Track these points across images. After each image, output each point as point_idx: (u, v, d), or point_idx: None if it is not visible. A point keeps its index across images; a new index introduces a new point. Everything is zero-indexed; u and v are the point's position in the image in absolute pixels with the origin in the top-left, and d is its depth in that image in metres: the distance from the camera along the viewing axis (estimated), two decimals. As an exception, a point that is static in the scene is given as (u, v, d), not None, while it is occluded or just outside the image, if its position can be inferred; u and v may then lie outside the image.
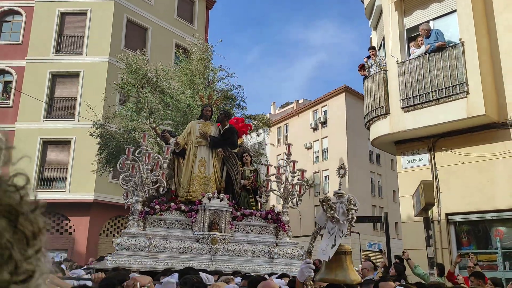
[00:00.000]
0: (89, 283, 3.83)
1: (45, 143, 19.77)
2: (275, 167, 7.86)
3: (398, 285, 3.19)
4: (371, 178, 32.16)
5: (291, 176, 7.72)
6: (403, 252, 8.16)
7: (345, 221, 2.91)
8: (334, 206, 2.90)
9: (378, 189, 32.72)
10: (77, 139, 19.12)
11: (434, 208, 9.59)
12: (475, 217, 9.67)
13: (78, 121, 19.10)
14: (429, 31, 10.10)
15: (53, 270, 0.56)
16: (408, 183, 10.24)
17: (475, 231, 9.88)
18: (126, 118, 15.67)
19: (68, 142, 19.62)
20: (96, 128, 15.82)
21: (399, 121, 10.31)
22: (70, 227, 19.00)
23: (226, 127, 8.21)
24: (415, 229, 9.86)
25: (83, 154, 18.68)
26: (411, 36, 10.89)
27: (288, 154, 7.87)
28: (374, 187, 32.32)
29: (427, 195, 8.21)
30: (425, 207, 8.39)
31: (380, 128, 10.87)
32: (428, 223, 8.72)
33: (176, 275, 4.15)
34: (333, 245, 2.83)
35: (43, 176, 19.41)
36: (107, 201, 18.69)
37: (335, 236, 2.89)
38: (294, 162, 7.79)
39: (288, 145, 8.11)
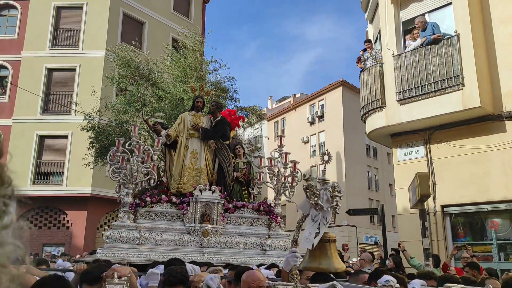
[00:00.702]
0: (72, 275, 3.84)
1: (42, 138, 19.73)
2: (267, 158, 7.82)
3: (388, 274, 3.21)
4: (368, 172, 32.24)
5: (283, 167, 7.66)
6: (399, 244, 8.22)
7: (329, 208, 2.89)
8: (318, 193, 2.87)
9: (375, 182, 32.82)
10: (74, 133, 19.07)
11: (430, 200, 9.65)
12: (470, 208, 9.73)
13: (75, 115, 19.06)
14: (425, 24, 10.11)
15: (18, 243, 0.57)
16: (404, 176, 10.29)
17: (470, 222, 9.95)
18: (118, 111, 15.58)
19: (65, 137, 19.58)
20: (88, 122, 15.74)
21: (395, 114, 10.34)
22: (68, 221, 19.01)
23: (218, 118, 8.12)
24: (411, 221, 9.93)
25: (79, 149, 18.62)
26: (407, 29, 10.90)
27: (281, 146, 7.83)
28: (370, 181, 32.42)
29: (423, 187, 8.25)
30: (420, 198, 8.43)
31: (376, 121, 10.90)
32: (423, 214, 8.77)
33: (162, 266, 4.13)
34: (317, 233, 2.82)
35: (40, 171, 19.39)
36: (104, 196, 18.69)
37: (319, 224, 2.86)
38: (287, 153, 7.72)
39: (281, 137, 8.06)
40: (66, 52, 20.63)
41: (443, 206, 9.95)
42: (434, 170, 10.08)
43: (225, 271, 4.56)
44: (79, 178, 18.67)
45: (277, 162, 7.71)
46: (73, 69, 20.46)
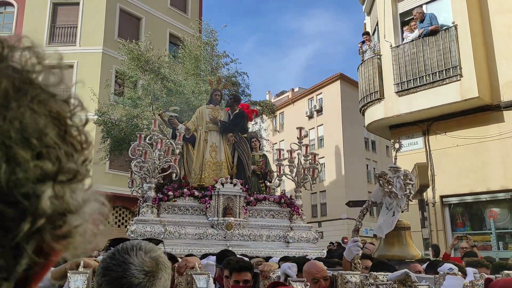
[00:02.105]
0: None
1: (41, 135, 19.71)
2: (287, 151, 7.83)
3: (448, 262, 3.22)
4: (367, 165, 32.30)
5: (303, 159, 7.67)
6: (398, 234, 8.27)
7: (403, 196, 2.84)
8: (392, 181, 2.84)
9: (374, 175, 32.88)
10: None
11: (429, 191, 9.71)
12: (469, 198, 9.80)
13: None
14: (423, 15, 10.13)
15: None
16: (403, 167, 10.30)
17: (469, 212, 10.01)
18: (129, 105, 15.59)
19: (64, 134, 19.56)
20: (99, 116, 15.76)
21: (394, 106, 10.37)
22: (68, 218, 19.03)
23: (236, 111, 8.14)
24: (410, 212, 9.89)
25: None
26: (405, 20, 10.92)
27: (301, 138, 7.85)
28: (369, 174, 32.46)
29: (422, 177, 8.32)
30: (419, 189, 8.49)
31: (374, 113, 10.94)
32: (423, 205, 8.85)
33: (213, 257, 4.17)
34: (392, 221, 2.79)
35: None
36: (105, 192, 18.70)
37: (394, 212, 2.84)
38: (307, 145, 7.77)
39: (300, 129, 8.06)
40: (63, 48, 20.51)
41: (442, 197, 10.01)
42: (433, 161, 10.13)
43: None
44: (78, 175, 18.67)
45: (297, 154, 7.68)
46: (70, 66, 20.41)
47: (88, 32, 20.61)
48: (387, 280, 2.27)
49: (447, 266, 2.65)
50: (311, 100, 33.74)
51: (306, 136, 32.98)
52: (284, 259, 4.37)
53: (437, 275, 2.45)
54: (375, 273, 2.40)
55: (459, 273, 2.55)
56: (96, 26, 20.60)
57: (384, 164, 32.40)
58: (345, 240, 23.54)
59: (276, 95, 43.96)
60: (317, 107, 32.50)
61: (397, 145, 2.95)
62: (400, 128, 10.87)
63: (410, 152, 10.54)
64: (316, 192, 31.26)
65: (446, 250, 7.99)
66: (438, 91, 9.56)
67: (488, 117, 9.45)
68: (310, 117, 33.17)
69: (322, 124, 32.01)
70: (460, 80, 9.26)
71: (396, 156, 2.94)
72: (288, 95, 39.15)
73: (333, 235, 26.20)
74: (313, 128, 32.74)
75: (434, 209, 9.94)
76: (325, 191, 30.57)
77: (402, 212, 2.80)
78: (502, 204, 9.47)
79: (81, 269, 2.11)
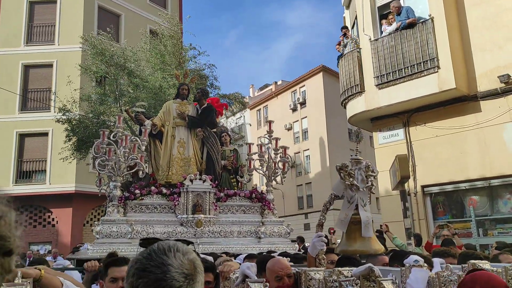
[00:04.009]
0: (76, 273, 3.75)
1: (22, 136, 19.45)
2: (257, 145, 7.77)
3: (413, 254, 3.14)
4: (351, 156, 32.57)
5: (274, 153, 7.62)
6: (381, 226, 8.43)
7: (365, 189, 2.78)
8: (353, 173, 2.78)
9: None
10: (54, 130, 18.85)
11: (411, 181, 9.88)
12: (449, 187, 10.00)
13: (55, 112, 18.81)
14: (400, 8, 10.24)
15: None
16: (385, 158, 10.48)
17: (450, 201, 10.23)
18: (95, 102, 15.27)
19: (45, 134, 19.33)
20: (63, 114, 15.43)
21: (374, 98, 10.50)
22: (53, 219, 18.88)
23: (204, 106, 7.98)
24: (392, 202, 10.16)
25: (61, 145, 18.45)
26: (383, 13, 11.02)
27: (270, 132, 7.77)
28: (354, 165, 32.75)
29: (403, 169, 8.44)
30: (401, 180, 8.63)
31: (356, 106, 11.05)
32: (404, 195, 8.99)
33: None
34: (354, 215, 2.70)
35: (22, 170, 19.15)
36: (89, 192, 18.56)
37: (357, 206, 2.76)
38: (277, 139, 7.67)
39: (270, 122, 7.96)
40: (42, 48, 20.27)
41: (423, 186, 10.20)
42: (413, 151, 10.31)
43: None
44: (62, 175, 18.51)
45: (267, 148, 7.64)
46: (50, 65, 20.13)
47: (66, 30, 20.32)
48: (351, 276, 2.20)
49: (412, 258, 2.56)
50: (294, 93, 33.82)
51: (290, 129, 33.13)
52: (249, 257, 4.29)
53: (403, 268, 2.38)
54: (339, 268, 2.31)
55: (425, 264, 2.45)
56: (74, 24, 20.32)
57: (368, 154, 32.71)
58: (332, 231, 23.75)
59: (259, 88, 43.94)
60: (301, 100, 32.61)
61: (358, 137, 2.95)
62: (381, 120, 11.02)
63: (391, 144, 10.72)
64: (302, 184, 31.46)
65: (428, 238, 8.17)
66: (417, 83, 9.71)
67: (466, 107, 9.64)
68: (294, 110, 33.27)
69: (306, 117, 32.13)
70: (437, 72, 9.41)
71: (357, 147, 2.94)
72: (271, 88, 39.14)
73: (320, 226, 26.41)
74: (297, 120, 32.87)
75: (416, 199, 10.13)
76: (310, 182, 30.77)
77: (364, 206, 2.77)
78: (480, 192, 9.70)
79: (18, 280, 1.91)
